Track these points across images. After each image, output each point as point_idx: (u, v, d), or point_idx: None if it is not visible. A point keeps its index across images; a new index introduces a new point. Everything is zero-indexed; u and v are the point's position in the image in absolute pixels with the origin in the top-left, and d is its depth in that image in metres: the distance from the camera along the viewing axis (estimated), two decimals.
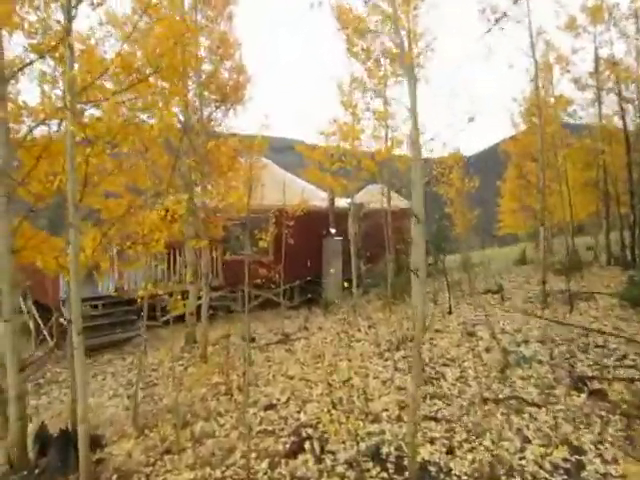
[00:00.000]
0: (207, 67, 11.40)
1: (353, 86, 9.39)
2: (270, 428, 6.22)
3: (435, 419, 5.89)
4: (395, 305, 13.31)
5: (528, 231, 23.58)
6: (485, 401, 6.13)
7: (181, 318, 14.68)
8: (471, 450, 5.15)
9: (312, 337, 11.21)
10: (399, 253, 16.73)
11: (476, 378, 7.11)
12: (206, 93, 11.49)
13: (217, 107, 11.55)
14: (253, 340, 11.76)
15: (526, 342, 8.50)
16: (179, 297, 7.62)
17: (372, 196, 20.68)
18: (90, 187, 5.05)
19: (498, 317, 10.51)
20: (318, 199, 17.21)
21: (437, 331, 9.93)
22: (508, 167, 18.78)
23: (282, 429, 6.15)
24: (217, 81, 11.39)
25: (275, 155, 18.57)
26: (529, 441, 5.20)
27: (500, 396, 6.29)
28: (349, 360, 8.86)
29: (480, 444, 5.22)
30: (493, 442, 5.21)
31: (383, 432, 5.66)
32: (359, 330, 10.94)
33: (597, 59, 14.39)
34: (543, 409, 5.76)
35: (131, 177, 7.64)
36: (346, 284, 8.40)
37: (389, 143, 8.78)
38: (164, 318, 14.45)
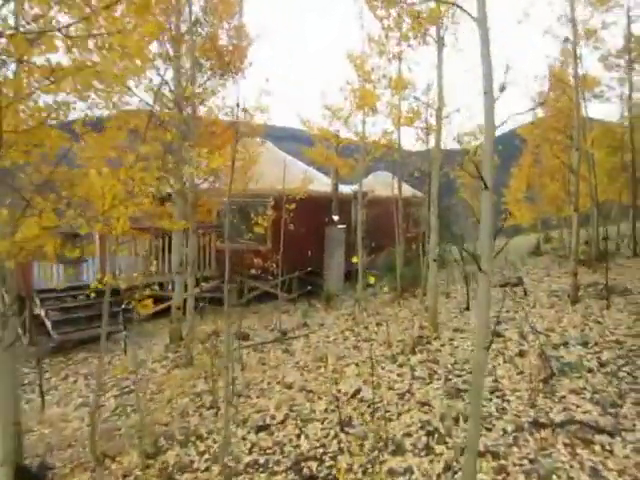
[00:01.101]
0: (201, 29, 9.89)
1: (369, 48, 7.99)
2: (262, 460, 4.84)
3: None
4: (404, 299, 11.91)
5: (535, 222, 22.13)
6: (536, 425, 4.73)
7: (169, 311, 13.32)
8: None
9: (313, 335, 9.81)
10: (409, 243, 15.33)
11: (515, 391, 5.71)
12: (203, 61, 10.00)
13: (213, 76, 10.04)
14: (247, 338, 10.37)
15: (565, 344, 7.10)
16: (147, 292, 6.09)
17: (377, 183, 19.32)
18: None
19: (523, 314, 9.09)
20: (321, 184, 15.77)
21: (456, 330, 8.52)
22: (524, 153, 17.33)
23: (278, 461, 4.76)
24: (215, 45, 9.88)
25: (277, 144, 17.16)
26: None
27: (554, 417, 4.88)
28: (357, 365, 7.47)
29: None
30: None
31: (410, 470, 4.26)
32: (366, 328, 9.54)
33: (629, 35, 12.93)
34: (617, 438, 4.36)
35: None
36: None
37: (407, 114, 7.38)
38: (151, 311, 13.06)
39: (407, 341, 8.21)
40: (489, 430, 4.81)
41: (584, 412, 4.93)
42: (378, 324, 9.70)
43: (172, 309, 10.22)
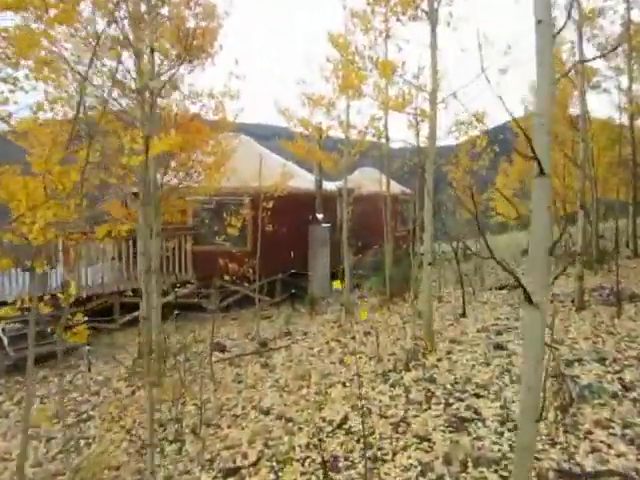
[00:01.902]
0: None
1: (352, 25, 6.97)
2: None
3: None
4: (394, 303, 10.99)
5: (522, 219, 21.28)
6: (564, 477, 3.82)
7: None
8: None
9: (295, 346, 8.85)
10: (398, 242, 14.43)
11: None
12: (167, 46, 8.91)
13: (180, 63, 8.95)
14: (224, 349, 9.37)
15: (580, 361, 6.21)
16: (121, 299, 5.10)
17: (364, 179, 18.41)
18: None
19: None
20: (304, 181, 14.78)
21: (453, 341, 7.61)
22: (517, 147, 16.43)
23: None
24: (180, 29, 8.81)
25: (263, 142, 16.16)
26: None
27: (583, 463, 3.97)
28: (343, 385, 6.52)
29: None
30: None
31: None
32: (353, 338, 8.60)
33: (628, 22, 12.08)
34: None
35: None
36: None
37: (397, 99, 6.42)
38: (122, 320, 12.01)
39: (399, 355, 7.29)
40: (503, 479, 3.89)
41: (618, 455, 4.03)
42: (366, 333, 8.76)
43: (140, 320, 9.16)
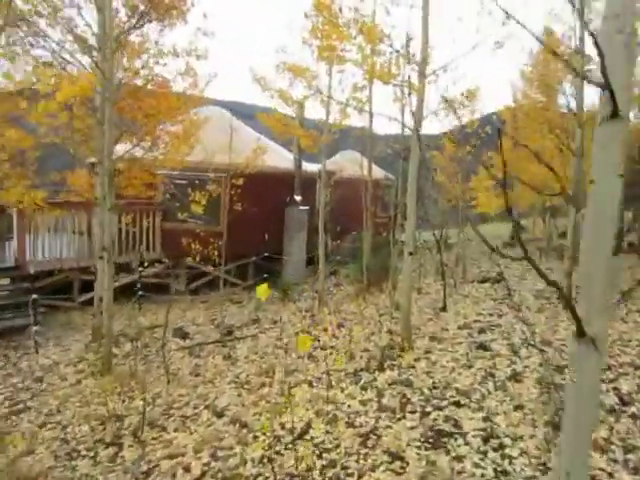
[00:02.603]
0: None
1: None
2: None
3: None
4: (370, 294, 10.29)
5: (507, 210, 20.74)
6: None
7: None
8: None
9: (262, 336, 8.10)
10: (377, 228, 13.71)
11: (516, 440, 4.14)
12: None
13: (147, 21, 7.97)
14: (186, 336, 8.58)
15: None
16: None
17: (345, 162, 17.60)
18: None
19: (510, 319, 7.59)
20: (282, 159, 13.92)
21: (433, 338, 6.92)
22: (503, 137, 15.76)
23: None
24: None
25: (246, 122, 15.17)
26: None
27: None
28: (310, 384, 5.79)
29: None
30: None
31: None
32: (325, 330, 7.87)
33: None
34: None
35: None
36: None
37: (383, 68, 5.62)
38: (81, 298, 11.11)
39: (373, 352, 6.58)
40: None
41: None
42: (339, 325, 8.04)
43: (94, 302, 8.29)
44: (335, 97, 7.42)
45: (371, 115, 9.92)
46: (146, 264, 12.80)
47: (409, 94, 6.10)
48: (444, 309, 8.27)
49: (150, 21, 7.90)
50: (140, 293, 10.79)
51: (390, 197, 18.38)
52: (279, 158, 13.93)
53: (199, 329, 9.13)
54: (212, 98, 11.00)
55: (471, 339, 6.75)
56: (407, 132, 11.37)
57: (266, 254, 12.50)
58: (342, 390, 5.53)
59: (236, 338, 8.05)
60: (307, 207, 13.23)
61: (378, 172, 17.94)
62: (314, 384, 5.79)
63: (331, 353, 6.81)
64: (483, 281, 10.02)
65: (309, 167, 15.04)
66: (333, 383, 5.73)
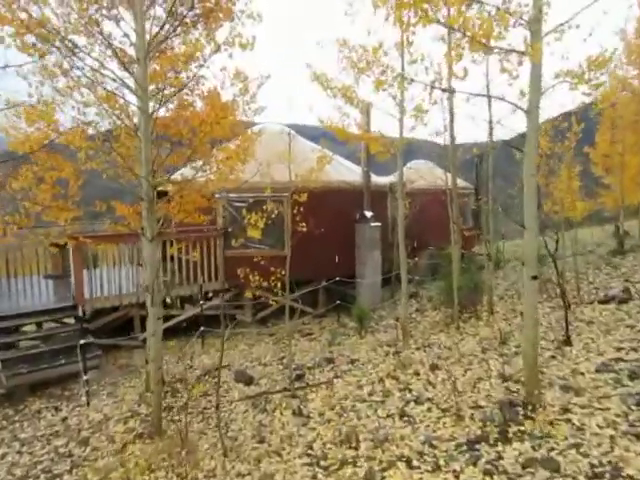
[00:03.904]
0: None
1: None
2: None
3: None
4: (463, 321, 8.46)
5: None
6: None
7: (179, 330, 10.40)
8: None
9: (339, 382, 6.52)
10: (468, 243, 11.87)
11: None
12: None
13: (192, 24, 6.77)
14: (250, 381, 7.18)
15: None
16: None
17: (415, 174, 15.88)
18: None
19: None
20: (351, 174, 12.45)
21: (566, 388, 5.04)
22: (601, 129, 13.42)
23: None
24: None
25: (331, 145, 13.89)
26: None
27: None
28: (407, 462, 4.14)
29: None
30: None
31: None
32: (417, 374, 6.18)
33: None
34: None
35: None
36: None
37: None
38: (143, 336, 10.07)
39: (487, 408, 4.83)
40: None
41: None
42: (433, 367, 6.31)
43: (146, 346, 7.08)
44: (411, 75, 5.79)
45: (452, 114, 8.26)
46: (210, 294, 11.78)
47: (519, 63, 4.43)
48: (567, 342, 6.33)
49: (194, 25, 6.73)
50: (202, 328, 9.63)
51: (468, 207, 16.41)
52: (345, 171, 12.49)
53: (265, 371, 7.72)
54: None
55: (622, 389, 4.83)
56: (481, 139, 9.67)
57: (337, 278, 10.99)
58: (455, 475, 3.85)
59: (308, 385, 6.53)
60: (379, 223, 11.62)
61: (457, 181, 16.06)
62: (413, 462, 4.14)
63: (429, 409, 5.12)
64: (605, 301, 7.92)
65: (377, 180, 13.49)
66: (441, 462, 4.05)
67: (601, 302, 8.00)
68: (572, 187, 16.36)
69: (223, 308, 11.26)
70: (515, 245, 17.47)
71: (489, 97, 4.58)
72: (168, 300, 12.29)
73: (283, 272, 7.31)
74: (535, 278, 4.53)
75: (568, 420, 4.39)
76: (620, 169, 12.81)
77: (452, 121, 8.30)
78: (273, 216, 7.10)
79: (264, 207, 6.87)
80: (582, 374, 5.36)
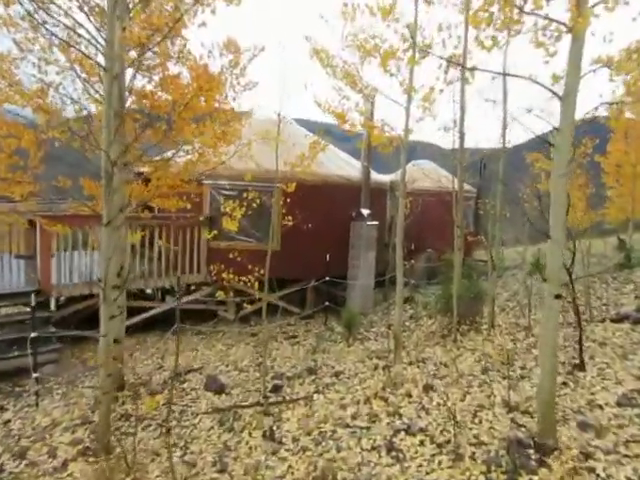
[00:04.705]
0: None
1: None
2: None
3: None
4: (462, 334, 7.64)
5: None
6: None
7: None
8: None
9: (319, 398, 5.67)
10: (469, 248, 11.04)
11: None
12: None
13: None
14: (221, 391, 6.33)
15: None
16: None
17: (418, 173, 15.06)
18: None
19: None
20: (350, 168, 11.61)
21: (585, 426, 4.21)
22: (614, 138, 12.56)
23: None
24: None
25: (335, 143, 13.02)
26: None
27: None
28: None
29: None
30: None
31: None
32: (409, 395, 5.33)
33: None
34: None
35: None
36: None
37: None
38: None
39: (491, 447, 3.99)
40: None
41: None
42: (427, 388, 5.46)
43: (101, 343, 6.16)
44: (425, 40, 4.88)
45: (462, 110, 7.43)
46: (193, 287, 10.91)
47: (556, 39, 3.59)
48: (581, 367, 5.51)
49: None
50: (177, 325, 8.76)
51: (470, 211, 15.60)
52: (344, 165, 11.64)
53: (240, 378, 6.87)
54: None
55: None
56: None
57: (327, 278, 10.15)
58: None
59: (284, 401, 5.68)
60: (376, 222, 10.77)
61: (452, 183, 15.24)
62: None
63: (422, 442, 4.28)
64: (617, 320, 7.11)
65: (377, 177, 12.65)
66: None
67: (613, 321, 7.18)
68: (584, 195, 15.35)
69: (205, 303, 10.46)
70: (515, 252, 16.66)
71: (516, 77, 3.77)
72: (149, 291, 11.53)
73: (269, 267, 6.46)
74: (559, 297, 3.69)
75: (591, 470, 3.57)
76: (632, 180, 11.99)
77: (463, 115, 7.44)
78: (255, 206, 6.27)
79: (247, 196, 6.02)
80: (601, 407, 4.54)
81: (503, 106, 7.85)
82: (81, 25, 5.22)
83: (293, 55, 6.14)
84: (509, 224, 14.07)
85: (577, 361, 5.57)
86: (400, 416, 4.82)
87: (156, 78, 6.23)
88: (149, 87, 6.20)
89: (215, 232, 7.14)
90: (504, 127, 7.98)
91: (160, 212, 9.35)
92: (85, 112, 5.85)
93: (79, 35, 5.16)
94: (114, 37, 4.61)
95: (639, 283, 9.81)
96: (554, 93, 3.70)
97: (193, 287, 10.72)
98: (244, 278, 5.84)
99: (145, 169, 7.57)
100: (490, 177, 13.63)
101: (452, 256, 8.89)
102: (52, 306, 9.66)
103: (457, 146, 8.24)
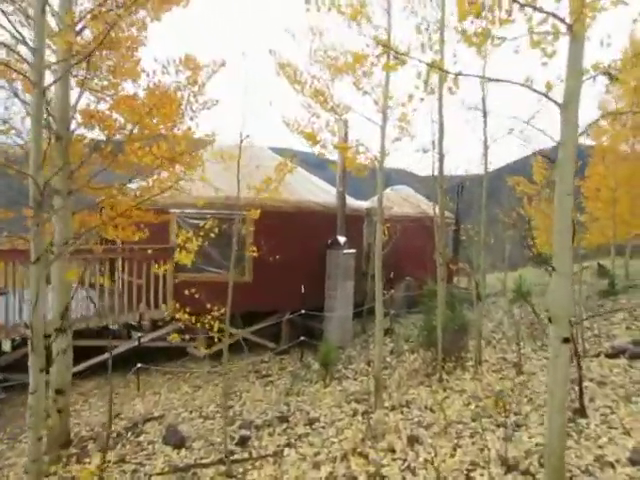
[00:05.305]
0: None
1: None
2: None
3: None
4: (447, 372, 6.97)
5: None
6: None
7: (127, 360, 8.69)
8: None
9: (290, 454, 4.92)
10: (449, 275, 10.50)
11: None
12: None
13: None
14: (180, 445, 5.51)
15: None
16: None
17: (395, 199, 14.67)
18: None
19: None
20: (324, 194, 11.06)
21: None
22: (593, 162, 12.29)
23: None
24: None
25: (312, 171, 12.61)
26: None
27: None
28: None
29: None
30: None
31: None
32: (392, 450, 4.62)
33: None
34: None
35: None
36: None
37: None
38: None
39: None
40: None
41: None
42: (412, 440, 4.76)
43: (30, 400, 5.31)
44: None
45: (441, 126, 6.94)
46: (160, 323, 10.12)
47: (554, 35, 3.09)
48: (582, 412, 4.89)
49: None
50: (139, 365, 7.94)
51: (449, 237, 15.14)
52: (319, 192, 11.09)
53: (204, 427, 6.07)
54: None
55: None
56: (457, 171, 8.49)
57: (303, 310, 9.45)
58: None
59: (250, 458, 4.91)
60: (353, 250, 10.17)
61: (429, 208, 14.86)
62: None
63: None
64: (613, 354, 6.56)
65: (354, 203, 12.12)
66: None
67: (609, 356, 6.62)
68: (546, 223, 15.12)
69: (170, 341, 9.61)
70: (495, 278, 16.21)
71: (509, 82, 3.28)
72: (115, 327, 10.64)
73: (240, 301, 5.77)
74: (567, 341, 3.08)
75: None
76: (612, 204, 11.69)
77: (442, 135, 6.94)
78: (221, 236, 5.64)
79: (205, 225, 5.34)
80: (612, 466, 3.90)
81: (483, 128, 7.43)
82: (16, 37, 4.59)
83: (259, 72, 5.60)
84: (487, 250, 13.65)
85: (577, 405, 4.95)
86: (383, 478, 4.10)
87: (108, 98, 5.64)
88: (102, 107, 5.60)
89: (180, 263, 6.44)
90: (485, 149, 7.54)
91: (124, 244, 8.66)
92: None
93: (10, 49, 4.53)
94: (42, 41, 3.97)
95: (629, 312, 9.32)
96: (553, 101, 3.18)
97: (160, 323, 9.95)
98: (203, 317, 5.09)
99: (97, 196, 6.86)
100: (469, 202, 13.28)
101: (434, 286, 8.33)
102: (7, 347, 8.83)
103: (435, 172, 7.74)
